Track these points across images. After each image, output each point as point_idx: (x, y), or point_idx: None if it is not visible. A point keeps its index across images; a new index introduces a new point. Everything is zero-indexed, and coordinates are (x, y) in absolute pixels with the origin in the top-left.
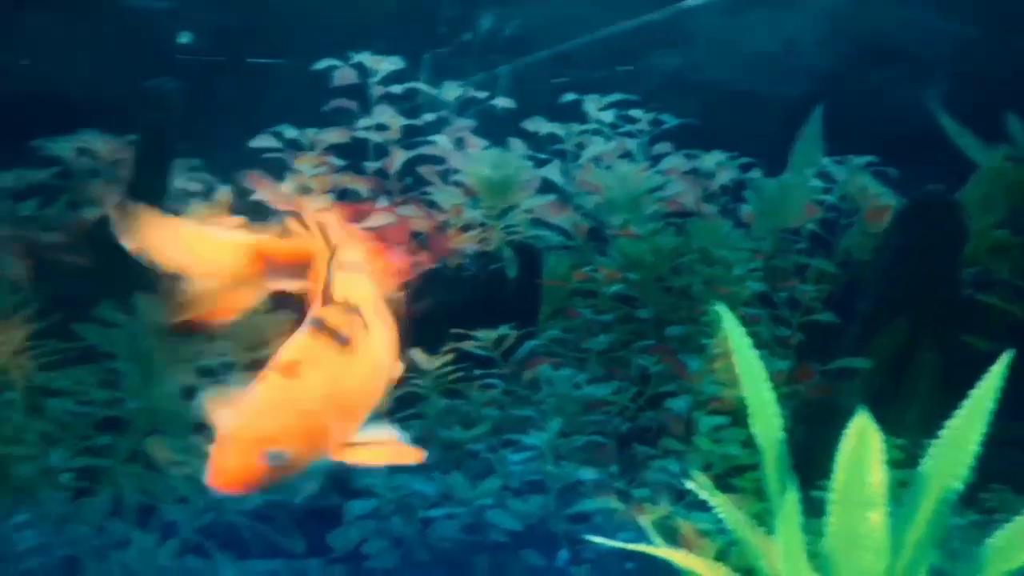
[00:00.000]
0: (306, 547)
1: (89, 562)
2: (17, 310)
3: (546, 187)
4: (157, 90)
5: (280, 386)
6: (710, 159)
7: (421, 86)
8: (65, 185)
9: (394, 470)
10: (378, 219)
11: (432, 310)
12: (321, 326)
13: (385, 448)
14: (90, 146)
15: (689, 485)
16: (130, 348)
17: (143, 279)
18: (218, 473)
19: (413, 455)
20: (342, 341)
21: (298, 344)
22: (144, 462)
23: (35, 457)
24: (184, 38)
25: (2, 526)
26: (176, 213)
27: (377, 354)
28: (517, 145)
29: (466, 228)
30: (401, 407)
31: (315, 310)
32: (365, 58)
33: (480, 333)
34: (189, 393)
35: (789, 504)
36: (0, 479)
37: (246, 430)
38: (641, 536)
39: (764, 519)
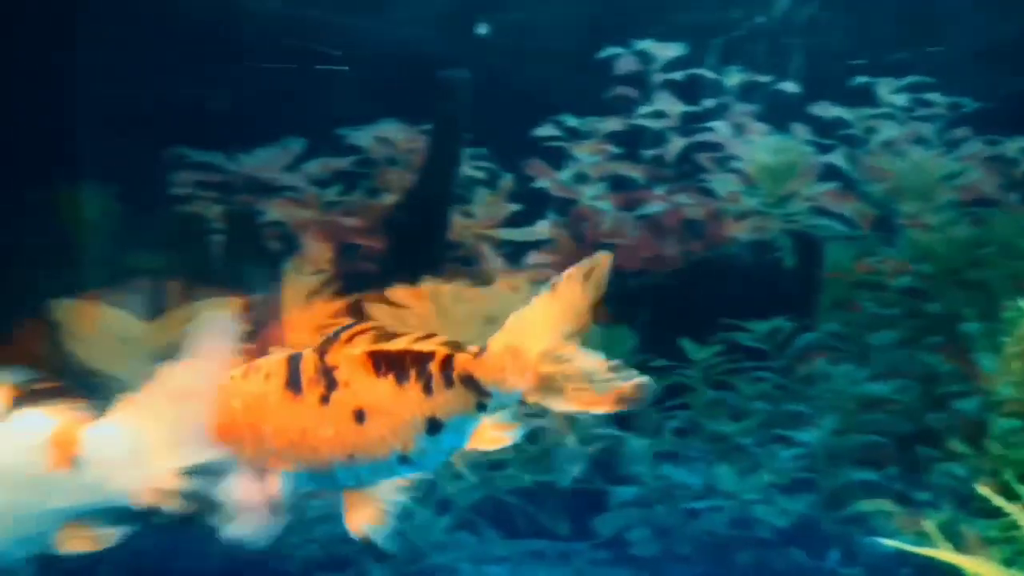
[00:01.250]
0: (571, 530)
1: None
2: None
3: (829, 174)
4: (450, 80)
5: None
6: (1013, 145)
7: (703, 72)
8: (365, 172)
9: (658, 459)
10: (652, 206)
11: (703, 299)
12: None
13: None
14: (388, 135)
15: (980, 490)
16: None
17: (431, 261)
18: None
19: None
20: None
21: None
22: None
23: None
24: (481, 29)
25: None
26: (463, 200)
27: None
28: (801, 131)
29: (742, 216)
30: (668, 396)
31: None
32: (648, 45)
33: (753, 324)
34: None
35: None
36: None
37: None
38: (919, 542)
39: None
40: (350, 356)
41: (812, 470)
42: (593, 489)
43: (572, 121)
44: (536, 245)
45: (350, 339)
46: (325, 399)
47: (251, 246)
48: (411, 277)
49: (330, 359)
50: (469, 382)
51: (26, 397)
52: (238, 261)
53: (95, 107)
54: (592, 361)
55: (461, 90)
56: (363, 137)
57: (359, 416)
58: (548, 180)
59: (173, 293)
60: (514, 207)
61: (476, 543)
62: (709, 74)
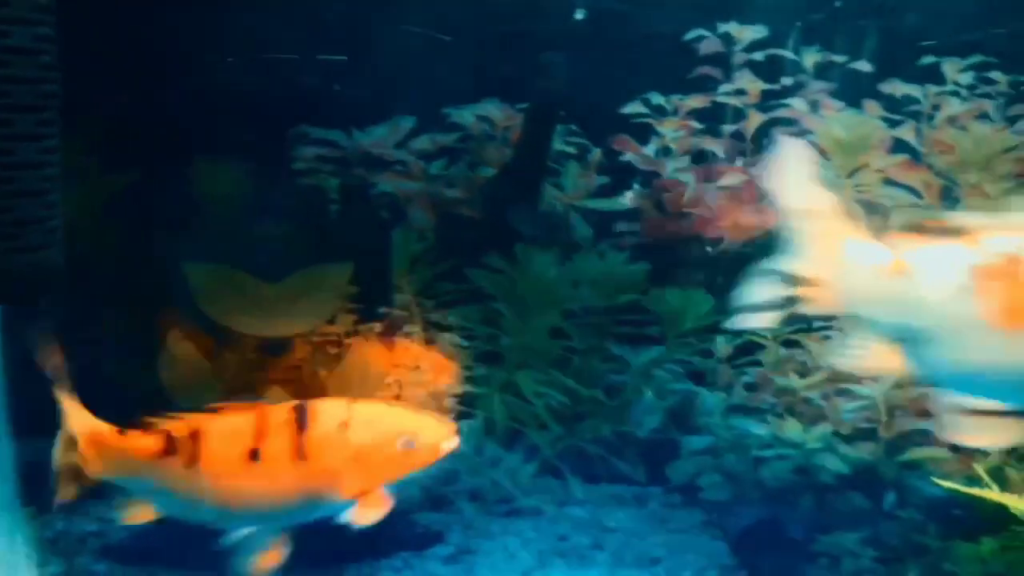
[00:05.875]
0: (647, 476)
1: (466, 477)
2: (422, 255)
3: (899, 148)
4: (547, 62)
5: None
6: None
7: (782, 52)
8: (466, 148)
9: (730, 412)
10: (731, 179)
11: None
12: None
13: None
14: (488, 114)
15: None
16: (509, 292)
17: (525, 232)
18: None
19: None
20: None
21: None
22: (514, 391)
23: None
24: (579, 14)
25: None
26: (555, 174)
27: None
28: (872, 107)
29: None
30: (741, 354)
31: None
32: (731, 27)
33: None
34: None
35: None
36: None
37: None
38: (969, 484)
39: None
40: None
41: (872, 420)
42: (667, 439)
43: (658, 99)
44: (623, 215)
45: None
46: None
47: (364, 215)
48: (506, 245)
49: None
50: None
51: None
52: (353, 229)
53: (231, 92)
54: None
55: (556, 71)
56: (465, 115)
57: None
58: (634, 154)
59: (296, 258)
60: (602, 179)
61: (559, 487)
62: (789, 54)
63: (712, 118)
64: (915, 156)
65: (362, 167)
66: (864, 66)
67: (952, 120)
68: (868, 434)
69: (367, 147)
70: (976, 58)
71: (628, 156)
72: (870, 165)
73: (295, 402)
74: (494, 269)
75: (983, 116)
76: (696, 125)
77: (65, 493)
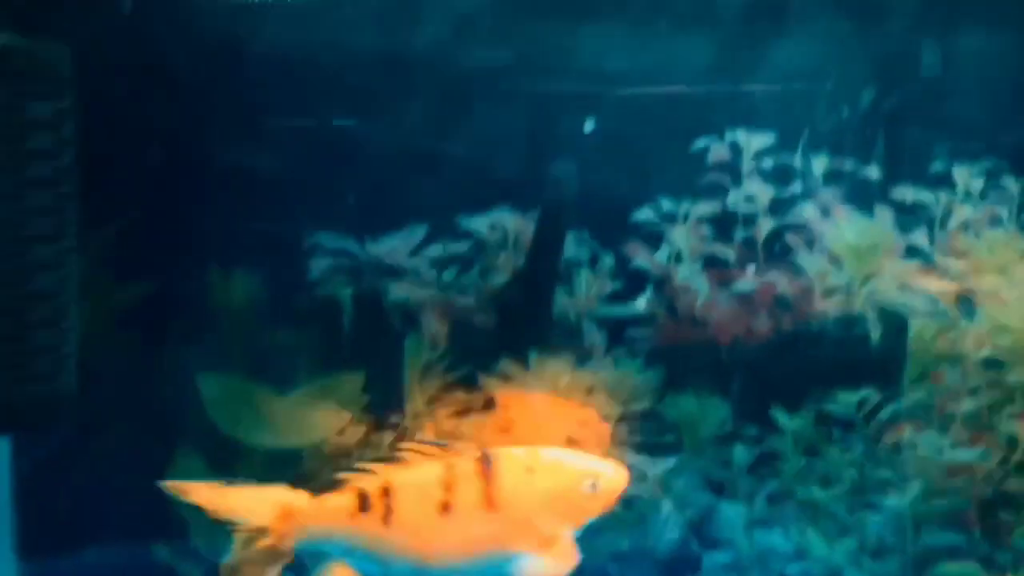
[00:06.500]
0: None
1: None
2: (435, 364)
3: (912, 253)
4: (558, 171)
5: None
6: None
7: (790, 159)
8: (478, 255)
9: (752, 525)
10: (744, 284)
11: (793, 371)
12: None
13: None
14: (501, 222)
15: None
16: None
17: (538, 337)
18: None
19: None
20: None
21: None
22: None
23: None
24: (589, 126)
25: None
26: (567, 280)
27: None
28: (884, 213)
29: (830, 292)
30: (760, 464)
31: None
32: (739, 136)
33: (842, 394)
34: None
35: None
36: None
37: None
38: None
39: None
40: None
41: (899, 534)
42: (688, 554)
43: (668, 205)
44: (635, 321)
45: None
46: None
47: (377, 324)
48: (519, 352)
49: None
50: None
51: None
52: (365, 338)
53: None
54: None
55: (567, 180)
56: (478, 223)
57: None
58: (646, 260)
59: (307, 369)
60: (614, 285)
61: None
62: (797, 161)
63: (723, 224)
64: (929, 262)
65: (375, 275)
66: (874, 172)
67: (966, 225)
68: (894, 548)
69: (380, 256)
70: (987, 162)
71: (640, 262)
72: (884, 270)
73: (479, 451)
74: (507, 376)
75: (996, 221)
76: (707, 231)
77: None
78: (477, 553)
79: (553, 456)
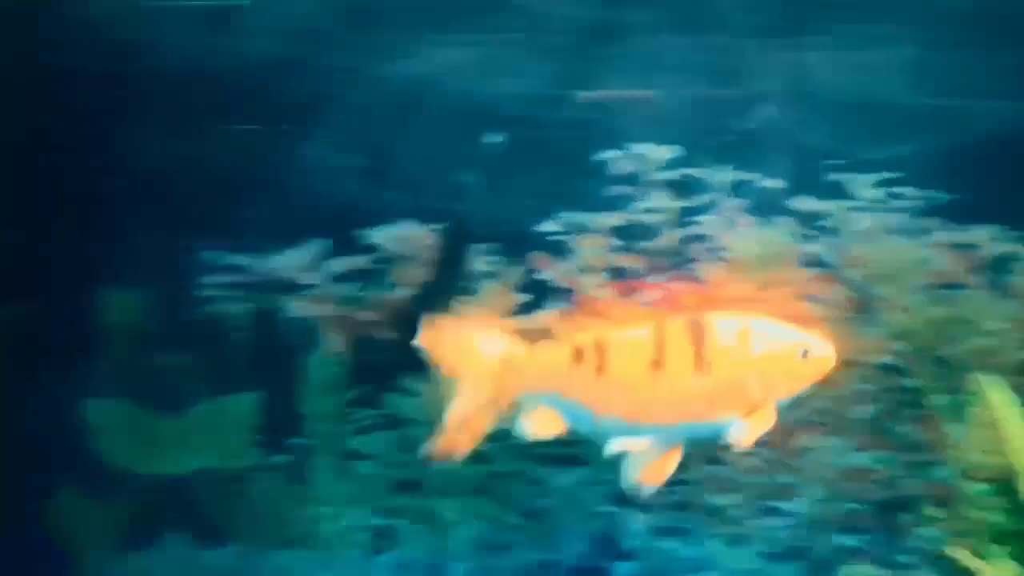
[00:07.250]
0: None
1: None
2: (337, 380)
3: (811, 262)
4: (461, 183)
5: None
6: (980, 232)
7: (694, 171)
8: (381, 269)
9: (658, 534)
10: (648, 294)
11: None
12: None
13: None
14: (405, 235)
15: (950, 552)
16: (427, 415)
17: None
18: None
19: None
20: None
21: None
22: (432, 520)
23: (336, 517)
24: (493, 138)
25: None
26: (472, 293)
27: None
28: (784, 222)
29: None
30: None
31: None
32: (644, 148)
33: None
34: None
35: None
36: (308, 537)
37: None
38: None
39: None
40: None
41: (800, 538)
42: (595, 567)
43: (575, 217)
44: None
45: None
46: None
47: (273, 342)
48: (422, 367)
49: None
50: None
51: None
52: (262, 356)
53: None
54: None
55: (470, 192)
56: (381, 236)
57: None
58: (552, 271)
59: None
60: (521, 297)
61: None
62: (701, 173)
63: (628, 235)
64: (828, 270)
65: (272, 291)
66: (775, 183)
67: (864, 234)
68: (796, 553)
69: (277, 271)
70: (884, 174)
71: (546, 273)
72: (784, 279)
73: (690, 316)
74: (411, 392)
75: (893, 230)
76: (614, 242)
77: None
78: (684, 412)
79: (764, 323)
